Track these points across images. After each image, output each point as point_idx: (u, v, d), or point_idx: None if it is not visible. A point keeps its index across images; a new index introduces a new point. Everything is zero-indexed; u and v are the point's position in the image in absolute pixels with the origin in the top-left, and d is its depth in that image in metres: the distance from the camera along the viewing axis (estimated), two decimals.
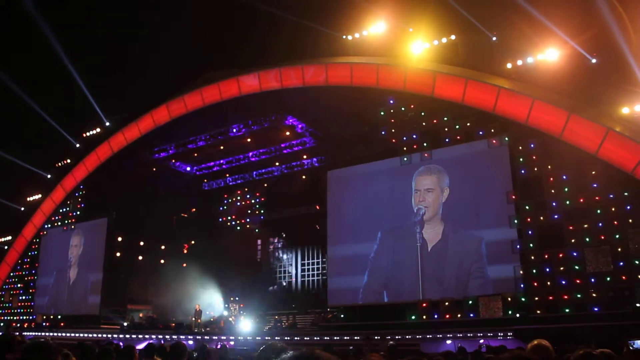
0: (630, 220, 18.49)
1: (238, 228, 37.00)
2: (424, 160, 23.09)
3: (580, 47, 20.00)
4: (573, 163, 19.68)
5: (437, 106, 22.98)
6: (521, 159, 20.93)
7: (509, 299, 19.90)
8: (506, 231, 20.52)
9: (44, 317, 35.96)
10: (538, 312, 19.30)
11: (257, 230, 36.29)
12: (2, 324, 36.62)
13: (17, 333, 26.17)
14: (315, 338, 21.48)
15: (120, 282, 33.80)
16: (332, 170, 26.57)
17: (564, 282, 19.16)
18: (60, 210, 37.75)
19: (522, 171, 20.84)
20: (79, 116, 39.40)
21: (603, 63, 19.96)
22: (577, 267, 19.01)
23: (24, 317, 37.71)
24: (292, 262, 34.44)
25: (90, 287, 33.75)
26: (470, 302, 20.61)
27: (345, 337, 20.52)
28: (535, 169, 20.62)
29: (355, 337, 20.03)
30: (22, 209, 40.10)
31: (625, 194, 18.79)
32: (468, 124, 22.43)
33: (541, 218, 20.12)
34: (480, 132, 22.07)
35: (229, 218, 37.80)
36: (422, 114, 23.68)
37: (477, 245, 20.90)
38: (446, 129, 22.97)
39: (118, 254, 34.63)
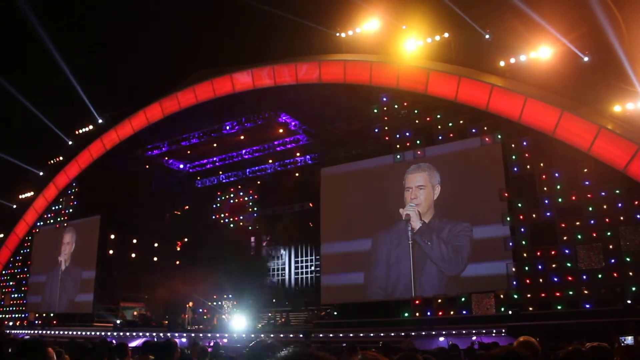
0: (621, 218, 18.62)
1: (231, 225, 36.96)
2: (417, 158, 23.13)
3: (573, 45, 20.06)
4: (565, 161, 19.79)
5: (431, 104, 23.02)
6: (514, 157, 21.01)
7: (502, 296, 19.98)
8: (499, 228, 20.60)
9: (37, 315, 35.85)
10: (530, 309, 19.39)
11: (250, 228, 36.27)
12: None
13: (8, 332, 26.10)
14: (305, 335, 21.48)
15: (113, 280, 33.75)
16: (325, 168, 26.58)
17: (556, 279, 19.26)
18: (53, 208, 37.62)
19: (515, 169, 20.91)
20: (72, 113, 39.13)
21: (595, 61, 20.04)
22: (569, 264, 19.11)
23: (17, 315, 37.58)
24: (286, 259, 34.45)
25: (83, 285, 33.63)
26: (463, 299, 20.68)
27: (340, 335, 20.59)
28: (528, 166, 20.70)
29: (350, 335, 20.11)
30: (14, 206, 39.92)
31: (617, 191, 18.90)
32: (461, 122, 22.48)
33: (533, 215, 20.20)
34: (473, 130, 22.13)
35: (222, 215, 37.76)
36: (416, 111, 23.73)
37: (469, 242, 20.97)
38: (439, 127, 23.02)
39: (111, 252, 34.55)
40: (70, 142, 37.75)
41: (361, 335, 20.14)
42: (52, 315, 34.90)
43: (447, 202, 21.99)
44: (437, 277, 21.43)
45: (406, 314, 21.71)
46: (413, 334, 19.06)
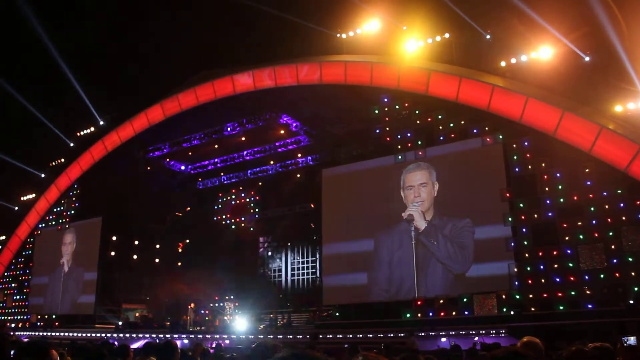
0: (623, 218, 18.59)
1: (233, 227, 36.93)
2: (418, 158, 23.12)
3: (574, 45, 20.04)
4: (567, 161, 19.75)
5: (432, 104, 23.00)
6: (515, 157, 20.98)
7: (503, 296, 19.96)
8: (500, 229, 20.58)
9: (39, 316, 35.88)
10: (532, 309, 19.35)
11: (252, 229, 36.23)
12: None
13: (12, 333, 26.11)
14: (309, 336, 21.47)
15: (114, 282, 33.79)
16: (326, 169, 26.58)
17: (558, 280, 19.22)
18: (55, 210, 37.67)
19: (516, 169, 20.89)
20: (73, 115, 39.21)
21: (596, 61, 20.01)
22: (571, 265, 19.08)
23: (19, 317, 37.63)
24: (287, 260, 34.40)
25: (85, 287, 33.67)
26: (465, 299, 20.67)
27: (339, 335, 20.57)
28: (529, 166, 20.67)
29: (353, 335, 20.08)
30: (16, 208, 39.98)
31: (619, 191, 18.86)
32: (462, 122, 22.46)
33: (535, 215, 20.18)
34: (475, 130, 22.10)
35: (224, 217, 37.72)
36: (417, 112, 23.70)
37: (473, 239, 20.95)
38: (440, 127, 23.00)
39: (112, 253, 34.58)
40: (71, 144, 37.82)
41: (370, 335, 20.11)
42: (54, 316, 34.93)
43: (448, 202, 21.97)
44: (442, 276, 21.39)
45: (408, 315, 21.69)
46: (422, 334, 19.07)
